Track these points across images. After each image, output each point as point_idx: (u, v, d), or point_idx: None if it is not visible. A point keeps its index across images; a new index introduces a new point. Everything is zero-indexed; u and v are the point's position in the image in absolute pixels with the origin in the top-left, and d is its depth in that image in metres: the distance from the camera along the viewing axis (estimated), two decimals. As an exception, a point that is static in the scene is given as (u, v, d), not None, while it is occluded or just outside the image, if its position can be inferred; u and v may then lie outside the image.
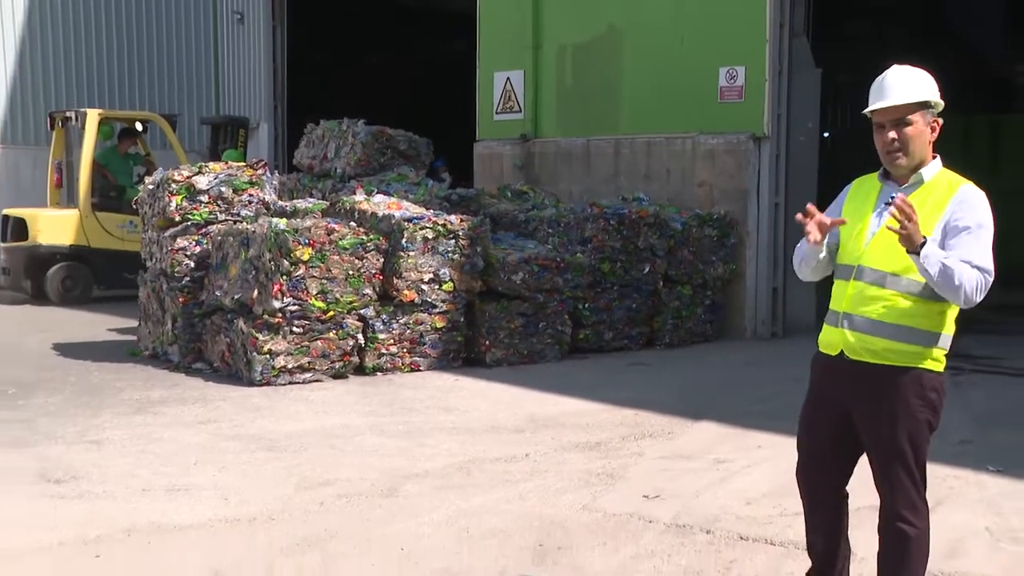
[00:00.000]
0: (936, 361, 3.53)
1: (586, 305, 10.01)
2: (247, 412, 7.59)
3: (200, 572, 4.55)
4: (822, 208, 3.69)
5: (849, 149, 15.59)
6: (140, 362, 9.60)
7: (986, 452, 6.40)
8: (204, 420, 7.35)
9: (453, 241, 9.19)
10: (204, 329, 9.25)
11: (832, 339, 3.61)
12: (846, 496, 3.77)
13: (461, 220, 9.35)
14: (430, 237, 9.09)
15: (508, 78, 13.36)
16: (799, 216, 3.58)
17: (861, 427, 3.55)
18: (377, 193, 9.99)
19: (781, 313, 11.27)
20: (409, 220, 9.08)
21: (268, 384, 8.40)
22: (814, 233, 3.52)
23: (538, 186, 12.38)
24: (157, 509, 5.38)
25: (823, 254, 3.64)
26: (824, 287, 3.91)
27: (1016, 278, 14.82)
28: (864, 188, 3.70)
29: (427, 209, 9.56)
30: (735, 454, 6.45)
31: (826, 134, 15.25)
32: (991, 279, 3.41)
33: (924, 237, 3.33)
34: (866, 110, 3.57)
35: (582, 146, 12.67)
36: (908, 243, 3.31)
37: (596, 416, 7.48)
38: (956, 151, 17.17)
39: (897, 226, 3.27)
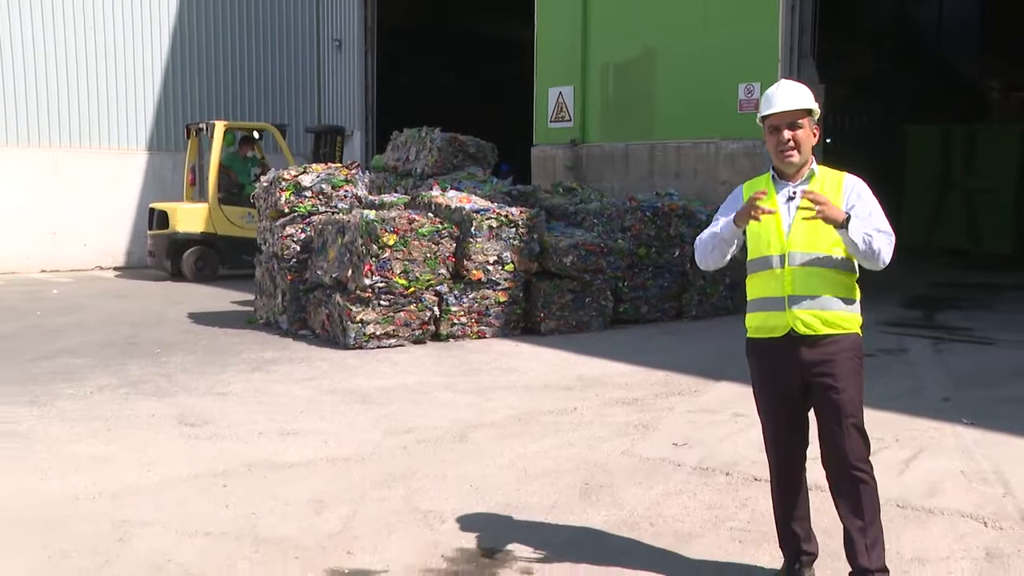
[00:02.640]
0: (859, 325, 3.47)
1: (625, 283, 9.93)
2: (343, 371, 7.65)
3: (305, 500, 4.60)
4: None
5: (847, 152, 15.41)
6: (256, 328, 9.73)
7: (961, 408, 6.26)
8: (308, 377, 7.43)
9: (514, 229, 9.16)
10: (308, 302, 9.33)
11: (775, 323, 3.44)
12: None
13: (520, 212, 9.31)
14: (494, 226, 9.06)
15: (560, 93, 13.29)
16: (758, 197, 3.37)
17: (818, 394, 3.42)
18: (450, 189, 9.99)
19: (789, 290, 11.09)
20: (477, 211, 9.06)
21: (360, 348, 8.46)
22: (756, 214, 3.35)
23: (585, 183, 12.29)
24: (271, 449, 5.45)
25: (736, 246, 3.55)
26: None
27: (988, 263, 14.62)
28: (759, 189, 3.53)
29: (492, 202, 9.53)
30: (751, 409, 6.29)
31: (828, 140, 15.01)
32: (894, 240, 3.38)
33: (847, 213, 3.30)
34: (763, 113, 3.49)
35: (622, 150, 12.57)
36: (834, 222, 3.27)
37: (634, 377, 7.43)
38: (938, 156, 16.96)
39: (813, 214, 3.25)
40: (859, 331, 3.47)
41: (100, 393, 6.84)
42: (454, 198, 9.46)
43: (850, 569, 3.44)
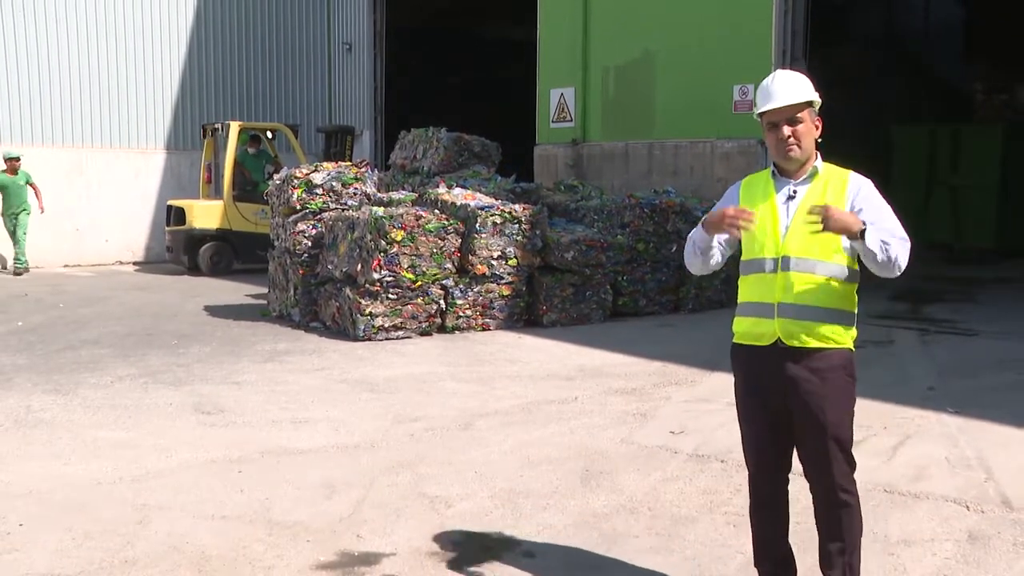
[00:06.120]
0: (853, 339, 3.13)
1: (624, 277, 9.92)
2: (353, 361, 7.65)
3: (317, 485, 4.62)
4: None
5: (835, 152, 15.30)
6: (269, 321, 9.73)
7: (946, 397, 6.25)
8: (319, 367, 7.44)
9: (517, 225, 9.15)
10: (319, 295, 9.33)
11: (762, 330, 3.09)
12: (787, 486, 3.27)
13: (524, 208, 9.30)
14: (498, 222, 9.06)
15: (562, 93, 13.27)
16: (743, 217, 3.04)
17: (800, 410, 3.06)
18: (456, 186, 9.97)
19: (782, 284, 11.09)
20: (482, 208, 9.05)
21: (369, 339, 8.46)
22: (745, 227, 3.06)
23: (586, 181, 12.27)
24: (284, 436, 5.47)
25: (725, 251, 3.25)
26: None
27: (969, 258, 14.63)
28: (758, 186, 3.21)
29: (496, 200, 9.52)
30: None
31: (819, 140, 15.02)
32: (910, 244, 3.04)
33: (862, 222, 2.94)
34: (759, 110, 3.12)
35: (622, 148, 12.55)
36: (848, 232, 2.93)
37: (632, 367, 7.43)
38: (924, 155, 17.01)
39: (820, 228, 2.91)
40: (852, 347, 3.12)
41: (121, 382, 6.86)
42: (460, 195, 9.45)
43: None
